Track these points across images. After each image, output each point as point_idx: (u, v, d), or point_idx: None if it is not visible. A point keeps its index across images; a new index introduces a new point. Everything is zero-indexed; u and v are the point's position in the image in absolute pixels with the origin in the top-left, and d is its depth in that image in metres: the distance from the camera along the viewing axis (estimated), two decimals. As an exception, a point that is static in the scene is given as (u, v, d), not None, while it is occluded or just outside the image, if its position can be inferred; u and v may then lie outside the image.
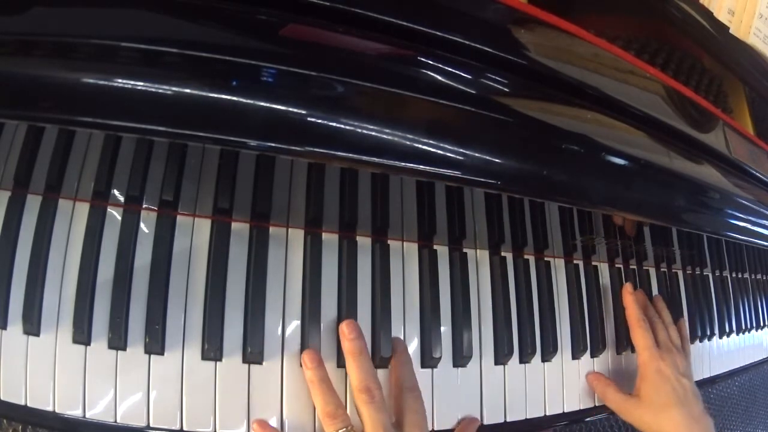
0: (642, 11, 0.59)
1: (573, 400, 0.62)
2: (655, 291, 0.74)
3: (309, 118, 0.35)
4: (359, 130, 0.36)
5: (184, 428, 0.42)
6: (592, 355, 0.64)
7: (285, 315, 0.47)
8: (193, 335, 0.44)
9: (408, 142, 0.38)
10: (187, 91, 0.32)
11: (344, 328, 0.47)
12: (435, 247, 0.55)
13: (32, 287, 0.41)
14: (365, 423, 0.45)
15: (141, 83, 0.31)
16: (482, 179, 0.42)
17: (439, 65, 0.40)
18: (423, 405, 0.49)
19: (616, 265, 0.70)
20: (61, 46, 0.30)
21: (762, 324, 0.97)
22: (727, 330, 0.87)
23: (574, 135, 0.46)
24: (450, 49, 0.40)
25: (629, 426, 0.74)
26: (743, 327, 0.92)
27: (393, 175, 0.54)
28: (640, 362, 0.61)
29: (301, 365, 0.47)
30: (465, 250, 0.57)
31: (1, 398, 0.39)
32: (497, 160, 0.42)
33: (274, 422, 0.45)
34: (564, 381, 0.61)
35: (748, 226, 0.64)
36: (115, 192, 0.45)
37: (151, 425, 0.42)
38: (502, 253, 0.59)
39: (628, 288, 0.66)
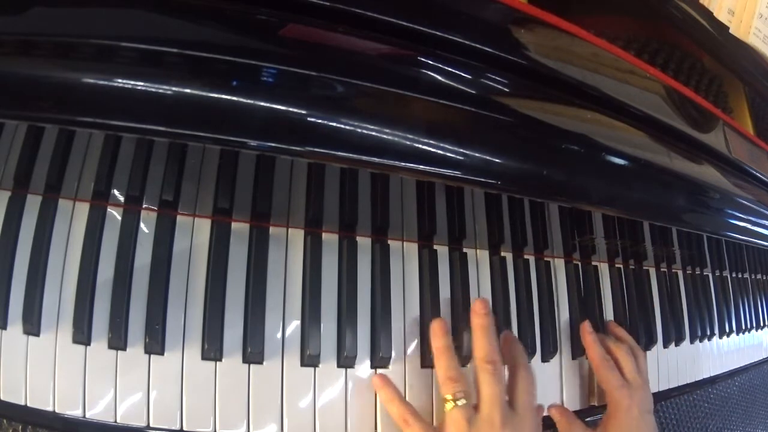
0: (642, 11, 0.59)
1: (573, 400, 0.61)
2: (655, 291, 0.74)
3: (309, 118, 0.35)
4: (359, 130, 0.36)
5: (184, 428, 0.42)
6: (592, 355, 0.64)
7: (285, 315, 0.47)
8: (193, 335, 0.44)
9: (408, 142, 0.38)
10: (187, 91, 0.32)
11: (477, 305, 0.51)
12: (435, 247, 0.55)
13: (32, 287, 0.41)
14: (483, 391, 0.47)
15: (141, 83, 0.31)
16: (482, 179, 0.42)
17: (439, 65, 0.40)
18: (535, 386, 0.51)
19: (616, 265, 0.70)
20: (61, 46, 0.30)
21: (762, 324, 0.97)
22: (727, 330, 0.87)
23: (574, 135, 0.46)
24: (450, 49, 0.40)
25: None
26: (743, 327, 0.92)
27: (393, 174, 0.54)
28: (610, 401, 0.59)
29: (302, 364, 0.47)
30: (465, 250, 0.57)
31: (1, 398, 0.39)
32: (497, 160, 0.42)
33: (274, 422, 0.45)
34: (564, 381, 0.61)
35: (748, 226, 0.64)
36: (115, 192, 0.45)
37: (151, 425, 0.42)
38: (502, 253, 0.59)
39: (587, 327, 0.62)
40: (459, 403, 0.46)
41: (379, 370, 0.50)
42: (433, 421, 0.51)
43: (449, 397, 0.47)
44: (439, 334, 0.50)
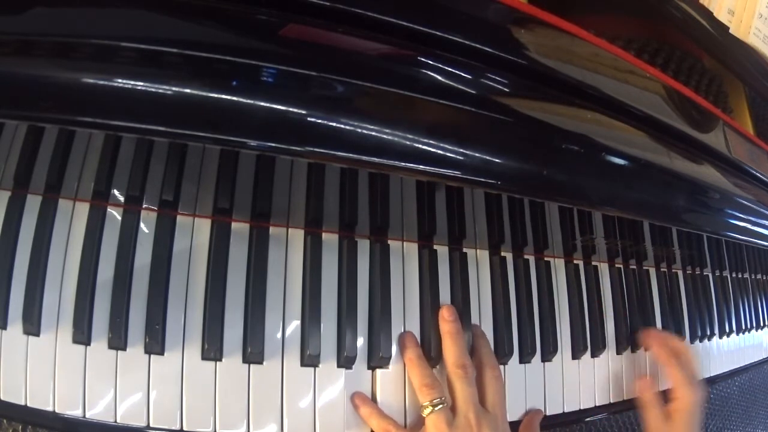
0: (642, 11, 0.59)
1: (573, 400, 0.61)
2: (655, 291, 0.74)
3: (309, 118, 0.35)
4: (359, 130, 0.36)
5: (184, 428, 0.42)
6: (593, 355, 0.64)
7: (285, 315, 0.47)
8: (193, 335, 0.44)
9: (408, 142, 0.38)
10: (188, 91, 0.32)
11: (444, 312, 0.52)
12: (435, 247, 0.55)
13: (32, 287, 0.41)
14: (457, 395, 0.49)
15: (141, 83, 0.31)
16: (482, 179, 0.42)
17: (439, 65, 0.40)
18: (503, 385, 0.53)
19: (616, 265, 0.70)
20: (61, 46, 0.30)
21: (762, 324, 0.97)
22: (727, 330, 0.87)
23: (574, 135, 0.46)
24: (450, 49, 0.40)
25: (628, 427, 0.74)
26: (743, 327, 0.92)
27: (393, 174, 0.54)
28: (679, 396, 0.62)
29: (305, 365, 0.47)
30: (465, 250, 0.57)
31: (1, 398, 0.39)
32: (497, 160, 0.42)
33: (274, 422, 0.45)
34: (564, 381, 0.61)
35: (748, 226, 0.64)
36: (115, 192, 0.45)
37: (151, 425, 0.42)
38: (502, 253, 0.59)
39: (653, 330, 0.69)
40: (437, 408, 0.48)
41: (380, 370, 0.50)
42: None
43: (427, 403, 0.48)
44: (409, 346, 0.51)
